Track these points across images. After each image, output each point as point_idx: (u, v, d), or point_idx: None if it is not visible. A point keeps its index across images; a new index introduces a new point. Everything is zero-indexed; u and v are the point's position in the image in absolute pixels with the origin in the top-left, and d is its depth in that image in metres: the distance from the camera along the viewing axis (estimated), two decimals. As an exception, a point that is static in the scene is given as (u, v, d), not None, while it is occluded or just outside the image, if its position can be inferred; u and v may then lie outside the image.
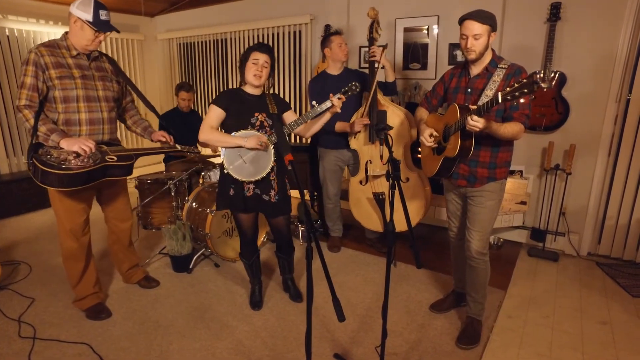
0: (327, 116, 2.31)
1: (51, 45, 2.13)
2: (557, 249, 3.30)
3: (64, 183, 2.00)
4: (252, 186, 2.31)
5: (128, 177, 2.39)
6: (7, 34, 4.41)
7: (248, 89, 2.31)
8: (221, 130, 2.34)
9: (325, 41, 3.01)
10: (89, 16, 2.08)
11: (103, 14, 2.12)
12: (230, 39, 5.10)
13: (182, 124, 3.80)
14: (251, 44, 4.85)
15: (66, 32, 2.19)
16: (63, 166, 1.99)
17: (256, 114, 2.27)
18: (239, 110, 2.26)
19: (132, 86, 2.48)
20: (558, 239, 3.30)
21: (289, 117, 2.39)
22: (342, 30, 3.06)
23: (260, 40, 4.81)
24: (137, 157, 2.33)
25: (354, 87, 2.23)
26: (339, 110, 2.24)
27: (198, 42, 5.51)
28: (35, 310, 2.53)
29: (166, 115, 3.90)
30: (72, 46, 2.16)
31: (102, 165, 2.11)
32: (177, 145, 2.49)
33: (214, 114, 2.26)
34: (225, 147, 2.25)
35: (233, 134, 2.23)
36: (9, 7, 4.38)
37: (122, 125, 2.60)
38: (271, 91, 2.44)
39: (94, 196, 2.41)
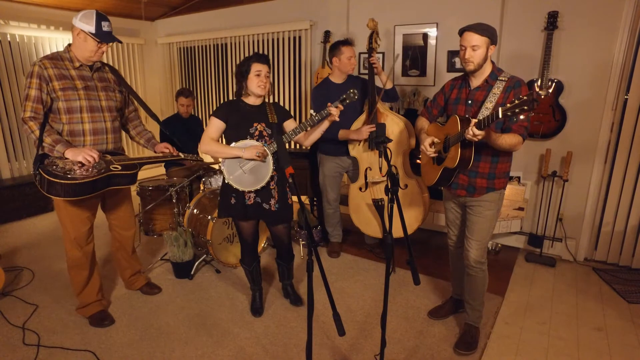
0: (325, 124, 2.33)
1: (54, 58, 2.17)
2: (554, 254, 3.34)
3: (69, 193, 2.03)
4: (252, 195, 2.34)
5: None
6: (9, 39, 4.44)
7: (248, 100, 2.34)
8: (222, 141, 2.37)
9: (335, 49, 2.96)
10: (91, 28, 2.12)
11: (105, 25, 2.17)
12: (231, 43, 5.13)
13: (182, 130, 3.83)
14: (251, 49, 4.90)
15: (69, 45, 2.23)
16: (69, 176, 2.01)
17: (255, 124, 2.30)
18: (238, 121, 2.29)
19: (135, 95, 2.51)
20: (555, 244, 3.34)
21: (290, 125, 2.42)
22: (353, 40, 3.04)
23: (260, 45, 4.85)
24: (141, 166, 2.36)
25: (352, 95, 2.23)
26: (337, 119, 2.25)
27: (198, 47, 5.53)
28: (39, 317, 2.56)
29: (167, 121, 3.94)
30: (75, 58, 2.20)
31: (106, 175, 2.14)
32: (181, 154, 2.52)
33: (214, 126, 2.29)
34: (225, 158, 2.28)
35: (233, 144, 2.26)
36: (10, 13, 4.41)
37: (126, 135, 2.63)
38: (271, 100, 2.47)
39: (98, 205, 2.45)
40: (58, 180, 1.99)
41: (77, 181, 2.02)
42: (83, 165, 2.09)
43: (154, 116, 2.57)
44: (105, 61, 2.40)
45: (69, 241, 2.34)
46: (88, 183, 2.06)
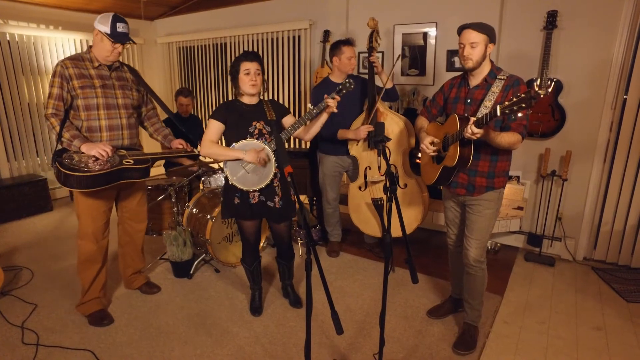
0: (324, 117, 2.33)
1: (76, 58, 2.30)
2: (553, 253, 3.34)
3: (82, 184, 2.14)
4: (257, 193, 2.35)
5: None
6: (8, 39, 4.44)
7: (245, 99, 2.34)
8: (221, 143, 2.37)
9: (335, 49, 2.95)
10: (107, 29, 2.23)
11: (120, 27, 2.27)
12: (230, 43, 5.13)
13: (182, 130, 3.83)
14: (251, 48, 4.90)
15: (90, 46, 2.35)
16: (84, 169, 2.13)
17: (254, 123, 2.31)
18: (237, 121, 2.30)
19: (152, 94, 2.60)
20: (554, 244, 3.34)
21: (289, 121, 2.42)
22: (354, 40, 3.02)
23: (260, 44, 4.84)
24: (154, 161, 2.45)
25: (347, 85, 2.23)
26: (335, 110, 2.25)
27: (198, 46, 5.53)
28: (38, 317, 2.56)
29: (167, 120, 3.93)
30: (94, 58, 2.32)
31: (119, 168, 2.23)
32: (195, 150, 2.59)
33: (214, 128, 2.30)
34: (227, 160, 2.29)
35: (233, 144, 2.27)
36: (10, 12, 4.40)
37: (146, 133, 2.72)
38: (267, 97, 2.47)
39: (114, 200, 2.51)
40: (72, 173, 2.11)
41: (90, 173, 2.12)
42: (97, 159, 2.20)
43: (170, 113, 2.68)
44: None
45: (85, 235, 2.40)
46: (101, 175, 2.16)
